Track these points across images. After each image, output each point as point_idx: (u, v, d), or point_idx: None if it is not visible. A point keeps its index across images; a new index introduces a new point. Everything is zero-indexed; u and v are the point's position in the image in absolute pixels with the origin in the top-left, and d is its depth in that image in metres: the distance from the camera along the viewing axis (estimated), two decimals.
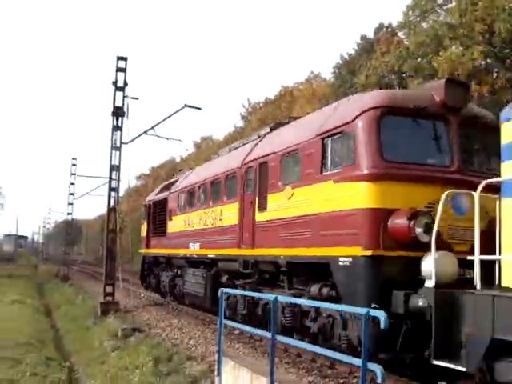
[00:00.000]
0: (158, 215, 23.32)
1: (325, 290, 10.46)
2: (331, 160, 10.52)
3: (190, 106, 23.12)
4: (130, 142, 22.78)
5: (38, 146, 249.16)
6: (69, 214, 48.64)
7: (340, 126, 10.30)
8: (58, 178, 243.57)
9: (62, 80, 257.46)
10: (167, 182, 24.91)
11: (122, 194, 26.77)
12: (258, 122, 51.04)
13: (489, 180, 8.21)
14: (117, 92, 21.90)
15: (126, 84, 21.91)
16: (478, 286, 7.92)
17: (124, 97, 21.93)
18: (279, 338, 8.27)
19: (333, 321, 10.33)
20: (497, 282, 7.97)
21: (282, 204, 12.03)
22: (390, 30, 39.05)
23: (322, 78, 50.49)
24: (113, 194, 22.45)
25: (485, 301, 7.39)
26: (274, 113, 50.32)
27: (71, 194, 46.81)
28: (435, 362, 8.02)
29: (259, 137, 15.47)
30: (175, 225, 20.72)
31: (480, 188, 8.12)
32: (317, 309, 10.73)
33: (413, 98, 10.10)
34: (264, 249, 12.82)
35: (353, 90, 38.21)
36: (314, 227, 10.62)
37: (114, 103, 21.91)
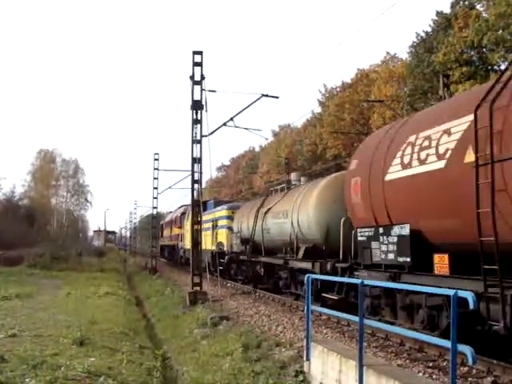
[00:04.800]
0: (161, 228, 60.68)
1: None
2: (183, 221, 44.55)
3: (266, 96, 23.19)
4: (210, 134, 23.07)
5: (121, 143, 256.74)
6: (154, 207, 49.83)
7: (182, 213, 46.26)
8: (143, 174, 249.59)
9: (140, 78, 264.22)
10: (166, 218, 62.85)
11: (204, 185, 27.86)
12: (336, 108, 50.62)
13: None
14: (194, 86, 22.24)
15: (202, 78, 22.19)
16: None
17: (202, 90, 22.24)
18: (367, 321, 8.27)
19: None
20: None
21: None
22: (467, 3, 37.68)
23: (398, 59, 49.50)
24: (196, 186, 22.89)
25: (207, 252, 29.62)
26: (351, 97, 49.76)
27: (155, 188, 47.85)
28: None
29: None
30: (165, 233, 57.89)
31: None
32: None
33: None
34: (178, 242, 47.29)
35: (431, 70, 37.45)
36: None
37: (192, 97, 22.26)
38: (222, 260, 28.99)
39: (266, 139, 56.53)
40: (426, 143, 10.95)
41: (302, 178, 23.74)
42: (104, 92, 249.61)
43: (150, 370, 12.19)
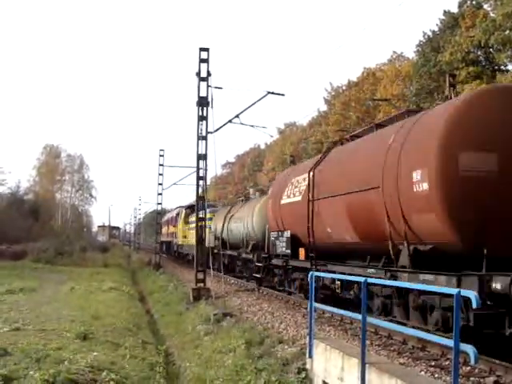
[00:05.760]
0: (161, 226, 60.00)
1: None
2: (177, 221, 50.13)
3: (272, 93, 23.16)
4: (215, 131, 23.03)
5: (127, 139, 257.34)
6: (158, 203, 49.84)
7: (177, 213, 50.74)
8: (148, 170, 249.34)
9: (146, 73, 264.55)
10: (164, 217, 63.28)
11: (208, 182, 28.54)
12: (342, 106, 50.55)
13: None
14: (201, 82, 22.23)
15: (209, 74, 22.17)
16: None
17: (208, 87, 22.23)
18: (370, 319, 8.27)
19: None
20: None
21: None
22: (474, 2, 37.55)
23: (404, 58, 49.41)
24: (201, 182, 22.90)
25: (192, 247, 29.26)
26: (357, 95, 49.66)
27: (160, 184, 47.87)
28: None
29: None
30: (163, 230, 60.84)
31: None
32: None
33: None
34: (173, 239, 53.00)
35: (437, 69, 37.36)
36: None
37: (198, 93, 22.25)
38: None
39: (272, 136, 56.40)
40: (297, 184, 18.54)
41: (257, 193, 31.42)
42: (110, 88, 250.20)
43: (153, 365, 12.24)
